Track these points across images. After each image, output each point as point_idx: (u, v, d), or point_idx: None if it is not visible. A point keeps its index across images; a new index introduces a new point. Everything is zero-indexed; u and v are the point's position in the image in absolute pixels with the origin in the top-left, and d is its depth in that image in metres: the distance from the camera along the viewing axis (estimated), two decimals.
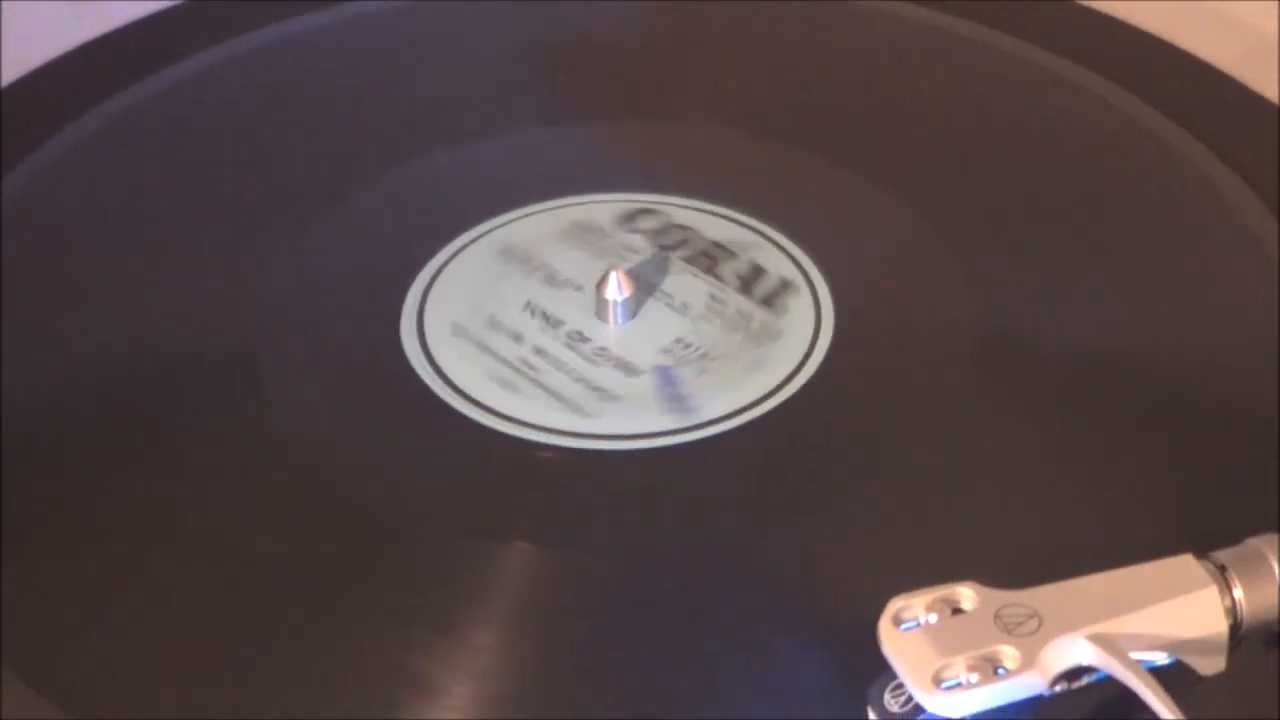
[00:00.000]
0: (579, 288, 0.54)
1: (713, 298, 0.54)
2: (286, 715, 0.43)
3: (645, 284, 0.54)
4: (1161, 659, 0.42)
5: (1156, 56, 0.64)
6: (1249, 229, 0.56)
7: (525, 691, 0.44)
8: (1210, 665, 0.43)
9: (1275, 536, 0.44)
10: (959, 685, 0.41)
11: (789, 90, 0.62)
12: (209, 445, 0.50)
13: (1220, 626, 0.43)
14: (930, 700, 0.41)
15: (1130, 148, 0.60)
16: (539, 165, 0.59)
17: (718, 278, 0.54)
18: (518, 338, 0.53)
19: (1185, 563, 0.43)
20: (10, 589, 0.45)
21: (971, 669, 0.41)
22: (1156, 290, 0.55)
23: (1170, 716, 0.40)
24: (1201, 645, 0.43)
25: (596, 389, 0.51)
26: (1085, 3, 0.66)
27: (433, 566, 0.46)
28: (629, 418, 0.50)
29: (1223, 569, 0.43)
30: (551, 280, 0.55)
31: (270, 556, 0.47)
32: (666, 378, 0.51)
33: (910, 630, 0.42)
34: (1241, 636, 0.43)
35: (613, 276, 0.53)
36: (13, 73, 0.64)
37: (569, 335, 0.53)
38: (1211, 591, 0.43)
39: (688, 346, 0.52)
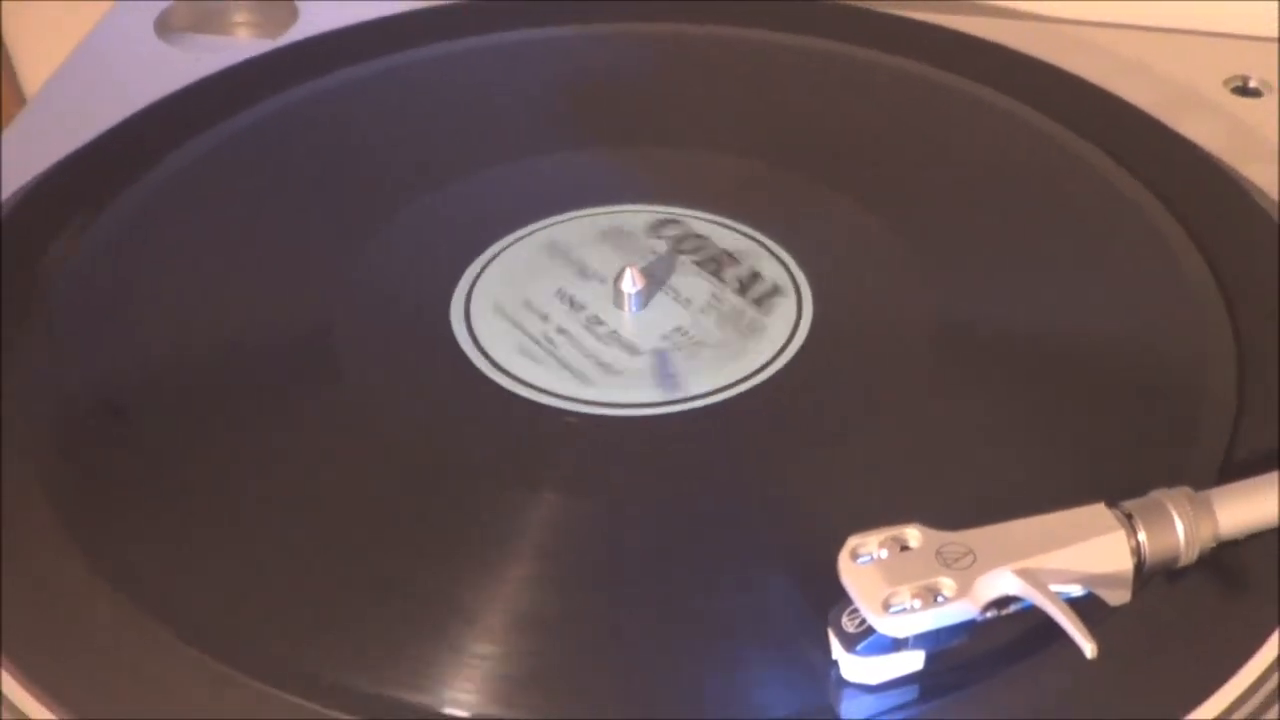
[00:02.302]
0: (604, 280, 0.60)
1: (713, 296, 0.59)
2: (352, 632, 0.49)
3: (657, 279, 0.60)
4: (1076, 591, 0.46)
5: (1091, 100, 0.68)
6: (1157, 233, 0.61)
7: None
8: (1117, 597, 0.47)
9: (1174, 490, 0.48)
10: (905, 610, 0.45)
11: (794, 127, 0.68)
12: (287, 403, 0.56)
13: (1126, 565, 0.47)
14: (880, 622, 0.45)
15: (1059, 172, 0.65)
16: (589, 179, 0.66)
17: (721, 280, 0.60)
18: (545, 317, 0.59)
19: (1098, 511, 0.47)
20: (137, 524, 0.52)
21: (915, 596, 0.45)
22: (1076, 285, 0.59)
23: (1080, 638, 0.44)
24: (1110, 580, 0.46)
25: (602, 364, 0.57)
26: (1037, 57, 0.71)
27: (454, 505, 0.52)
28: (623, 390, 0.56)
29: (1129, 516, 0.47)
30: (583, 273, 0.60)
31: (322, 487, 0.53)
32: (662, 360, 0.57)
33: (865, 564, 0.46)
34: (1145, 574, 0.47)
35: (628, 272, 0.58)
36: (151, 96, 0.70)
37: (588, 319, 0.59)
38: (1120, 535, 0.47)
39: (685, 334, 0.58)
